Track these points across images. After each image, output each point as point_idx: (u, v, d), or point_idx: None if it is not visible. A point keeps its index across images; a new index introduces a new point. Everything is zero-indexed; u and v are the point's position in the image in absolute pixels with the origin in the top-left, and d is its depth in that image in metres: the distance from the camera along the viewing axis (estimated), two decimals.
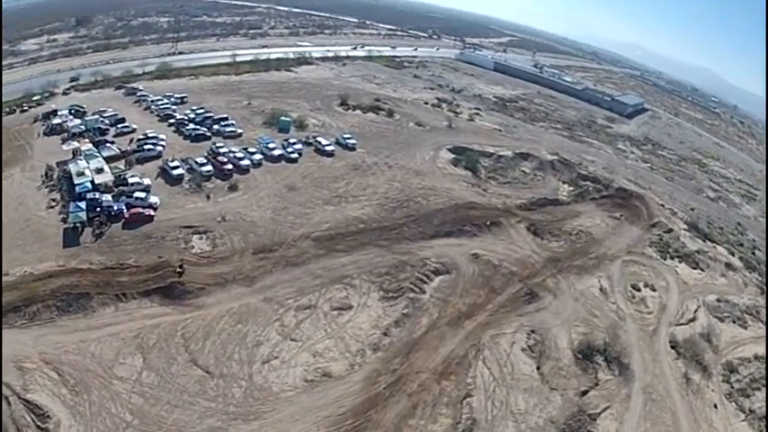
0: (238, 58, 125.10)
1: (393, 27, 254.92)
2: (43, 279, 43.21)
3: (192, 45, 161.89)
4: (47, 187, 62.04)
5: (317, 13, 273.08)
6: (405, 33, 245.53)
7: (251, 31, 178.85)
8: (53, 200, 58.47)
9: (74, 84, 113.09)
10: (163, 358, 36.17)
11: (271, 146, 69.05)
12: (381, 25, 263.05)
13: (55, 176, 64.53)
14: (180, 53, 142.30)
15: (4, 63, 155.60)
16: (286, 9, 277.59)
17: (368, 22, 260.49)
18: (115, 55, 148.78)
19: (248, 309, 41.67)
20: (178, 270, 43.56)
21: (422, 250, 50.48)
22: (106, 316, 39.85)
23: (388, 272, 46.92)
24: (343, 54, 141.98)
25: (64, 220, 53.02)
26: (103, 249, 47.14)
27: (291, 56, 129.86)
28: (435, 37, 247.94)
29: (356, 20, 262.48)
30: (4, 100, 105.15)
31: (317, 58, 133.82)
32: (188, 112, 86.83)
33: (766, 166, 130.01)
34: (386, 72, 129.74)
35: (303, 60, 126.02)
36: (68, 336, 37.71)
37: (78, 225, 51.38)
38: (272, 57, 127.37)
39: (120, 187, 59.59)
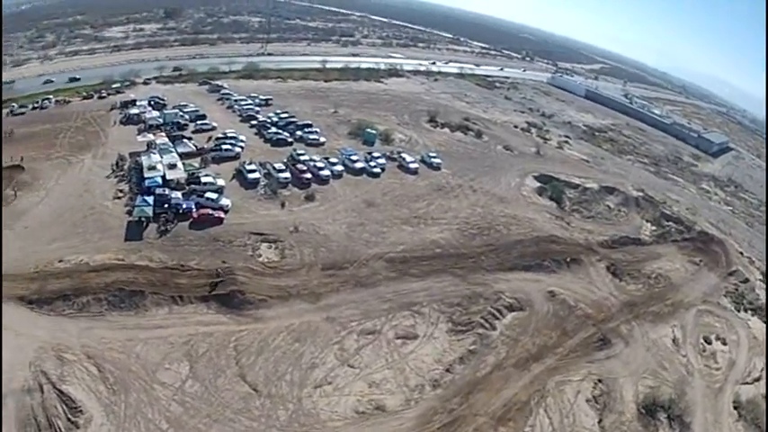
0: (328, 65, 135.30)
1: (486, 46, 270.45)
2: (99, 271, 47.10)
3: (282, 47, 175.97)
4: (116, 177, 68.62)
5: (411, 26, 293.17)
6: (498, 53, 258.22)
7: (343, 39, 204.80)
8: (120, 191, 64.51)
9: (157, 75, 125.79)
10: (210, 369, 37.93)
11: (353, 158, 72.76)
12: (475, 43, 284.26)
13: (126, 167, 71.24)
14: (269, 54, 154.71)
15: (85, 47, 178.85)
16: (380, 19, 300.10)
17: (462, 39, 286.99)
18: (202, 50, 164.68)
19: (309, 327, 43.55)
20: (216, 278, 46.27)
21: (497, 282, 52.28)
22: (158, 317, 42.67)
23: (459, 303, 48.48)
24: (435, 69, 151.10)
25: (129, 213, 57.97)
26: (166, 247, 50.96)
27: (383, 67, 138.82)
28: (528, 59, 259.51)
29: (450, 35, 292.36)
30: (82, 83, 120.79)
31: (409, 72, 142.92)
32: (271, 114, 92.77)
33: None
34: (477, 91, 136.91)
35: (394, 72, 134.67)
36: (115, 332, 40.62)
37: (143, 220, 55.96)
38: (363, 66, 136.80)
39: (192, 186, 64.28)
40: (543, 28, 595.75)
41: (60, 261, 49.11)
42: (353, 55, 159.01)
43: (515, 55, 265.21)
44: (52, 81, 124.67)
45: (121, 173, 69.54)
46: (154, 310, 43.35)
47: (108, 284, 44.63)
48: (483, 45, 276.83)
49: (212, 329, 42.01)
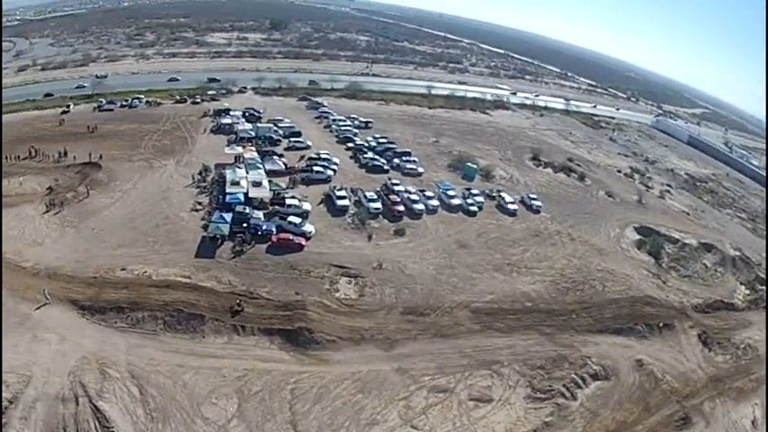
0: (434, 91, 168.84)
1: (592, 83, 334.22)
2: (160, 287, 57.10)
3: (387, 69, 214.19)
4: (197, 188, 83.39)
5: (519, 57, 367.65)
6: (604, 91, 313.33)
7: (450, 65, 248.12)
8: (199, 203, 78.02)
9: (255, 86, 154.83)
10: (260, 411, 44.63)
11: (450, 193, 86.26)
12: (582, 79, 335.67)
13: (209, 179, 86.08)
14: (374, 75, 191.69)
15: (184, 50, 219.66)
16: (489, 48, 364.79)
17: (569, 74, 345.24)
18: (305, 65, 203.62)
19: (376, 377, 50.54)
20: (237, 308, 55.59)
21: (586, 345, 60.38)
22: (215, 345, 51.78)
23: (543, 365, 55.90)
24: (541, 103, 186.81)
25: (204, 228, 70.43)
26: (238, 270, 62.31)
27: (489, 97, 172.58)
28: (634, 100, 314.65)
29: (558, 70, 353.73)
30: (177, 87, 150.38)
31: (515, 104, 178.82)
32: (370, 138, 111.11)
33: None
34: (582, 130, 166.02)
35: (500, 104, 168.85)
36: (166, 355, 49.78)
37: (218, 237, 67.75)
38: (469, 95, 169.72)
39: (276, 207, 76.35)
40: (647, 67, 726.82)
41: (123, 269, 61.15)
42: (460, 83, 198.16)
43: (621, 94, 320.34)
44: (177, 79, 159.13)
45: (203, 184, 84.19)
46: (212, 337, 52.61)
47: (167, 303, 54.94)
48: (589, 82, 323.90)
49: (271, 367, 49.57)
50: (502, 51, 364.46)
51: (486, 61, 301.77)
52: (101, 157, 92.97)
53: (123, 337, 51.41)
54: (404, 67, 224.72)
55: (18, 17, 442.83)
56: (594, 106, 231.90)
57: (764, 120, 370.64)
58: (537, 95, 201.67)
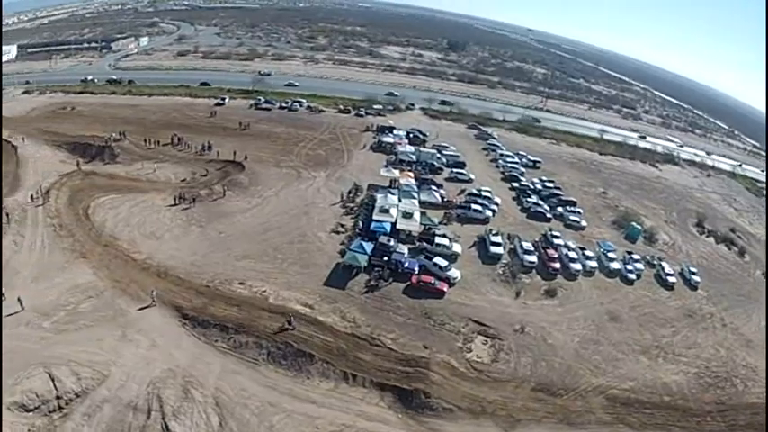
0: (606, 136, 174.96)
1: (758, 145, 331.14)
2: (275, 313, 58.47)
3: (561, 106, 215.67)
4: (343, 207, 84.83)
5: (691, 109, 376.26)
6: None
7: (624, 110, 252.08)
8: (341, 225, 78.93)
9: (424, 106, 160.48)
10: None
11: (611, 255, 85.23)
12: (748, 140, 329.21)
13: (358, 200, 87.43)
14: (547, 111, 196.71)
15: (356, 59, 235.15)
16: (662, 96, 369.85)
17: (736, 133, 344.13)
18: (479, 91, 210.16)
19: None
20: (287, 326, 56.92)
21: None
22: (317, 390, 51.15)
23: None
24: (709, 162, 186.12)
25: (341, 254, 71.01)
26: (367, 307, 63.01)
27: (659, 149, 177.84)
28: None
29: (726, 127, 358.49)
30: (343, 96, 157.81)
31: (684, 160, 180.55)
32: (536, 180, 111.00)
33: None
34: (746, 197, 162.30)
35: (670, 158, 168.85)
36: (260, 389, 49.86)
37: (354, 267, 67.80)
38: (640, 144, 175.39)
39: (423, 243, 75.96)
40: None
41: (241, 284, 62.62)
42: (632, 130, 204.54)
43: None
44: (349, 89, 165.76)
45: (351, 205, 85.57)
46: (317, 380, 52.25)
47: (278, 332, 55.90)
48: (755, 144, 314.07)
49: (373, 427, 48.21)
50: (674, 101, 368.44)
51: (659, 110, 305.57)
52: (246, 157, 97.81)
53: (219, 359, 52.47)
54: (578, 106, 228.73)
55: (186, 3, 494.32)
56: (763, 171, 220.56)
57: None
58: (707, 153, 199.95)
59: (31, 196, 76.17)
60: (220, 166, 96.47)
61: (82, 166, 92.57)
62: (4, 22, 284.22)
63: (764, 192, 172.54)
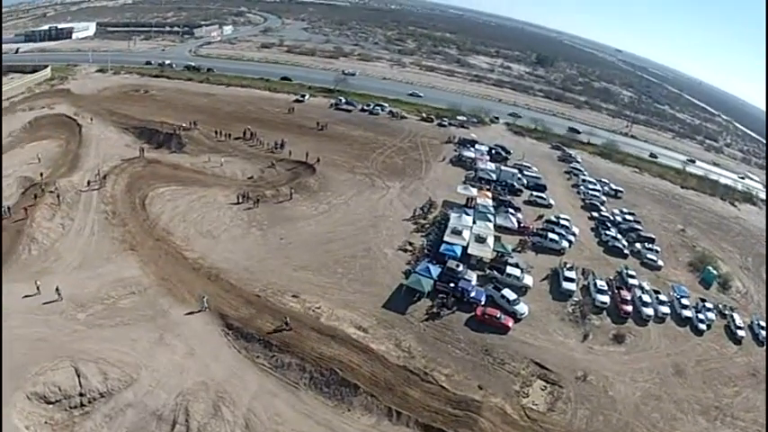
0: (688, 168, 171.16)
1: None
2: (324, 335, 55.85)
3: (646, 132, 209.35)
4: (415, 224, 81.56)
5: None
6: None
7: (707, 142, 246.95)
8: (410, 243, 75.59)
9: (509, 121, 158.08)
10: None
11: (684, 302, 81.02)
12: None
13: (430, 217, 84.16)
14: (632, 136, 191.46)
15: (444, 66, 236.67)
16: (744, 130, 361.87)
17: None
18: (565, 109, 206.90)
19: None
20: (284, 326, 55.90)
21: None
22: (357, 424, 48.65)
23: None
24: None
25: (405, 275, 67.80)
26: (425, 336, 59.94)
27: (739, 187, 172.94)
28: None
29: None
30: (427, 103, 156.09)
31: (761, 200, 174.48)
32: (616, 211, 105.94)
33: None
34: None
35: (748, 197, 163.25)
36: (297, 416, 47.83)
37: (418, 291, 64.47)
38: (722, 181, 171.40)
39: (494, 272, 72.69)
40: None
41: (294, 296, 60.24)
42: (714, 164, 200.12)
43: None
44: (420, 95, 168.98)
45: (423, 221, 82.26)
46: (358, 413, 49.60)
47: (324, 357, 53.14)
48: None
49: None
50: (756, 136, 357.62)
51: (740, 144, 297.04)
52: (318, 160, 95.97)
53: (258, 377, 50.65)
54: (662, 134, 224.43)
55: None
56: None
57: None
58: None
59: (88, 182, 76.06)
60: (291, 166, 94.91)
61: (146, 152, 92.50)
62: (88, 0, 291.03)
63: None
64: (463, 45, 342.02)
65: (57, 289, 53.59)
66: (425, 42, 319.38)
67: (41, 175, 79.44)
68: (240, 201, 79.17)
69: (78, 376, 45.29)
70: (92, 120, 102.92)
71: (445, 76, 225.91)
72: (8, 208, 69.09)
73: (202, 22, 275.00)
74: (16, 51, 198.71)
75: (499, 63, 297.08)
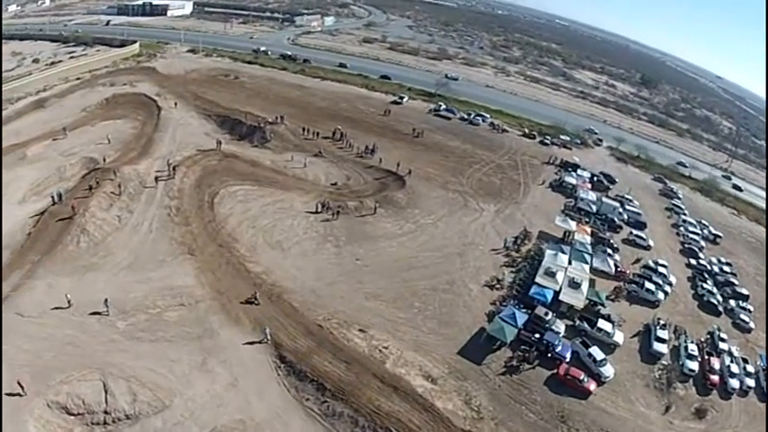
0: None
1: None
2: (386, 384, 50.70)
3: (745, 170, 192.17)
4: (506, 256, 74.89)
5: None
6: None
7: None
8: (498, 280, 68.84)
9: (612, 145, 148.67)
10: None
11: None
12: None
13: (524, 249, 77.20)
14: (731, 173, 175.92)
15: (549, 79, 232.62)
16: None
17: None
18: (668, 137, 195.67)
19: None
20: (253, 299, 55.59)
21: None
22: None
23: None
24: None
25: (488, 318, 61.56)
26: (498, 394, 54.29)
27: None
28: None
29: None
30: (527, 117, 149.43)
31: None
32: (714, 260, 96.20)
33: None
34: None
35: None
36: None
37: (498, 340, 58.05)
38: None
39: (583, 323, 66.37)
40: None
41: (361, 331, 54.59)
42: None
43: None
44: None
45: (516, 254, 75.46)
46: None
47: (380, 412, 48.48)
48: None
49: None
50: None
51: None
52: (410, 172, 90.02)
53: (303, 423, 46.35)
54: (760, 173, 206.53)
55: None
56: None
57: None
58: None
59: (156, 172, 72.95)
60: (380, 175, 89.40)
61: (226, 144, 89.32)
62: None
63: None
64: (569, 58, 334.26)
65: (105, 302, 50.29)
66: (531, 52, 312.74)
67: (104, 159, 76.97)
68: (319, 210, 74.09)
69: (106, 392, 43.01)
70: (175, 104, 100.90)
71: (550, 89, 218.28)
72: (59, 195, 66.70)
73: (304, 11, 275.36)
74: (107, 24, 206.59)
75: (604, 80, 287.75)
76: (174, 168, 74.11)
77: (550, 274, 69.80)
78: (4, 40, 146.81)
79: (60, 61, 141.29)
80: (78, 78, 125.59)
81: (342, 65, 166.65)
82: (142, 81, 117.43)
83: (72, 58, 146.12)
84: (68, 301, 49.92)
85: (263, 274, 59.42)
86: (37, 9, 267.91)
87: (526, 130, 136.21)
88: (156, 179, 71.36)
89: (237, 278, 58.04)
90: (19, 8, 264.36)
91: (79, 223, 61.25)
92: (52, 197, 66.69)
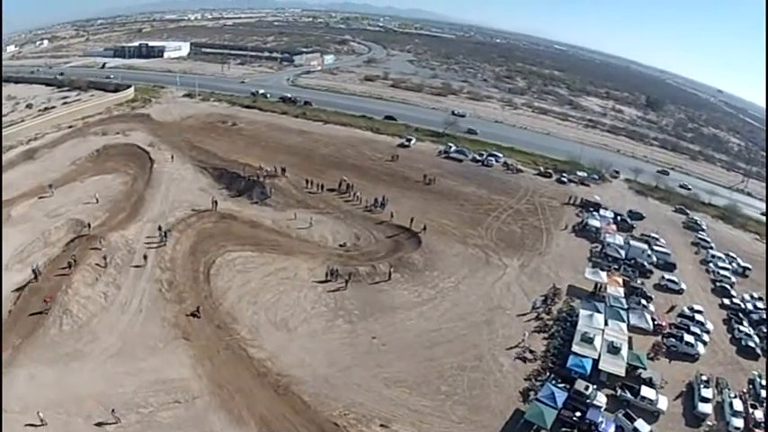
0: None
1: None
2: None
3: (761, 189, 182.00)
4: (536, 316, 68.93)
5: None
6: None
7: None
8: (530, 350, 62.46)
9: (629, 177, 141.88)
10: None
11: None
12: None
13: (554, 309, 71.08)
14: (748, 194, 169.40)
15: (556, 109, 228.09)
16: None
17: None
18: (681, 162, 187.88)
19: None
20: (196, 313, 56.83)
21: None
22: None
23: None
24: None
25: (523, 397, 55.63)
26: None
27: None
28: None
29: None
30: (540, 153, 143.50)
31: None
32: (747, 297, 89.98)
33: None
34: None
35: None
36: None
37: (537, 425, 52.04)
38: None
39: (625, 393, 59.41)
40: None
41: (383, 426, 48.31)
42: None
43: None
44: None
45: (547, 317, 69.34)
46: None
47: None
48: None
49: None
50: None
51: None
52: (425, 228, 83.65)
53: None
54: None
55: (380, 24, 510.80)
56: None
57: None
58: None
59: (145, 255, 67.43)
60: (392, 233, 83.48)
61: (223, 202, 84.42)
62: (187, 18, 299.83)
63: None
64: (573, 84, 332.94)
65: (113, 412, 44.88)
66: (535, 81, 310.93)
67: (88, 225, 72.77)
68: (328, 278, 68.32)
69: None
70: (172, 158, 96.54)
71: (559, 120, 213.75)
72: (35, 270, 62.21)
73: (303, 50, 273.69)
74: (102, 66, 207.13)
75: (610, 106, 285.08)
76: (165, 234, 69.00)
77: (587, 341, 63.81)
78: None
79: (54, 107, 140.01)
80: (71, 126, 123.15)
81: (389, 117, 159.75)
82: (135, 129, 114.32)
83: (65, 103, 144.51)
84: (41, 420, 43.10)
85: (268, 361, 53.59)
86: (35, 50, 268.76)
87: (541, 168, 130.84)
88: (145, 257, 66.04)
89: (239, 367, 52.27)
90: (17, 49, 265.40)
91: (62, 302, 56.41)
92: (33, 270, 61.62)
